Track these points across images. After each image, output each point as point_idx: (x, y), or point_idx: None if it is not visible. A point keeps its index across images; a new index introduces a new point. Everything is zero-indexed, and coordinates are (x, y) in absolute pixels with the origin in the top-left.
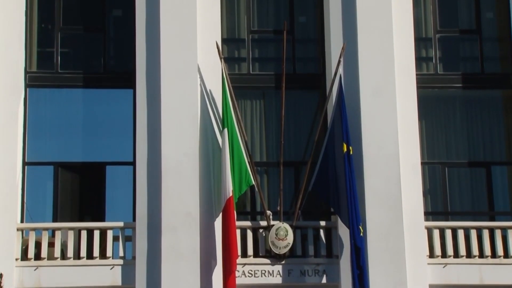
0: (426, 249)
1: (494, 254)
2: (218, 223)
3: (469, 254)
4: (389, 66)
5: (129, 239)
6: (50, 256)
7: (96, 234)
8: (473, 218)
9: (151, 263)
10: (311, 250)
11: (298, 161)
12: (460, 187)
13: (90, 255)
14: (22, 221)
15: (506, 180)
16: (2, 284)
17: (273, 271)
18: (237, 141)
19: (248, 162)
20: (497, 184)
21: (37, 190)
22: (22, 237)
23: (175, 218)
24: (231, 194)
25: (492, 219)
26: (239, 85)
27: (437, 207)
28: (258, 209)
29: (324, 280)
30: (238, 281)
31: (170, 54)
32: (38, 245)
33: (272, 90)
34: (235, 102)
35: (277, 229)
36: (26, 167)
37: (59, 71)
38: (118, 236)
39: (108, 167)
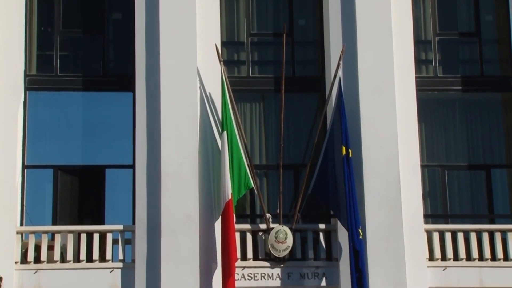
0: (426, 251)
1: (494, 257)
2: (217, 226)
3: (469, 257)
4: (389, 68)
5: (129, 242)
6: (50, 259)
7: (96, 237)
8: (473, 221)
9: (150, 266)
10: (310, 253)
11: (297, 164)
12: (460, 190)
13: (89, 258)
14: (21, 224)
15: (505, 183)
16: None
17: (272, 274)
18: (236, 144)
19: (248, 165)
20: (497, 187)
21: (36, 193)
22: (22, 240)
23: (175, 221)
24: (230, 197)
25: (492, 222)
26: (239, 88)
27: (436, 209)
28: (258, 212)
29: (323, 283)
30: (238, 284)
31: (169, 57)
32: (37, 248)
33: (271, 92)
34: (235, 105)
35: (276, 232)
36: (25, 170)
37: (58, 74)
38: (118, 239)
39: (107, 170)
